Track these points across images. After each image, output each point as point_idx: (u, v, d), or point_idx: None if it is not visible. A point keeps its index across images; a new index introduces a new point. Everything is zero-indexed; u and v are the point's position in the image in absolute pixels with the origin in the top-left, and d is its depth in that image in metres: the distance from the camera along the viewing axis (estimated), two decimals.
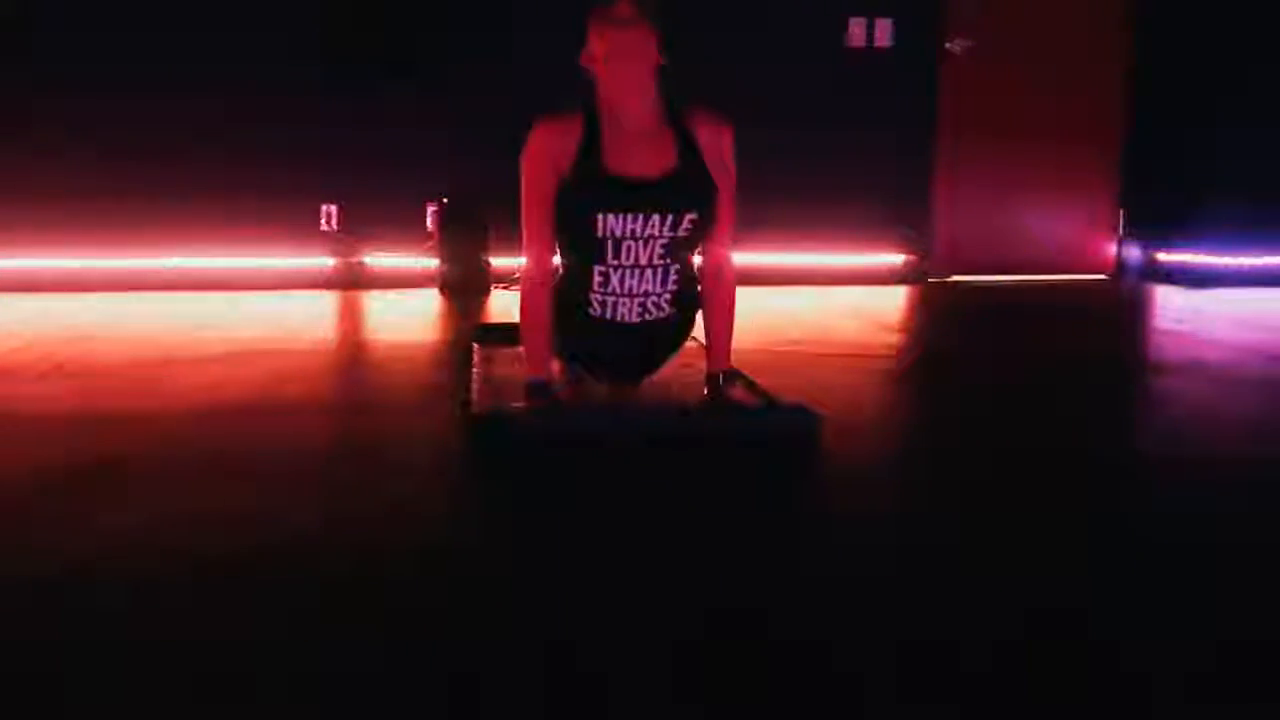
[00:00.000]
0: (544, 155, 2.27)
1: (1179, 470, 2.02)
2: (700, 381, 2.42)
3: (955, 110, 5.21)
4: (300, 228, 4.81)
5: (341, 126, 4.74)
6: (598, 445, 2.09)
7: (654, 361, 2.47)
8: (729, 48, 4.85)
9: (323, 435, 2.25)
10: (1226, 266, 5.06)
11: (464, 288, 4.63)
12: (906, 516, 1.76)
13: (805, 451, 2.08)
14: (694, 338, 2.53)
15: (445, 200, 4.69)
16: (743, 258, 4.84)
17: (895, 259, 5.15)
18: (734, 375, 2.38)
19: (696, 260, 2.43)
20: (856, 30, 5.00)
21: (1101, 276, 5.46)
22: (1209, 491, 1.88)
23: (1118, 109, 5.37)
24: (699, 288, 2.41)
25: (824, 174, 5.04)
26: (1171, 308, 4.35)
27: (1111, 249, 5.48)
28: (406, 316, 3.96)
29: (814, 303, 4.37)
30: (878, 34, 5.01)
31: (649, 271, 2.30)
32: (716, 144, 2.32)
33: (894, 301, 4.51)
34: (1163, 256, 5.23)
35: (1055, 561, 1.54)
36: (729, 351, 2.37)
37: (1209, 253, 5.07)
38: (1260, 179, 5.02)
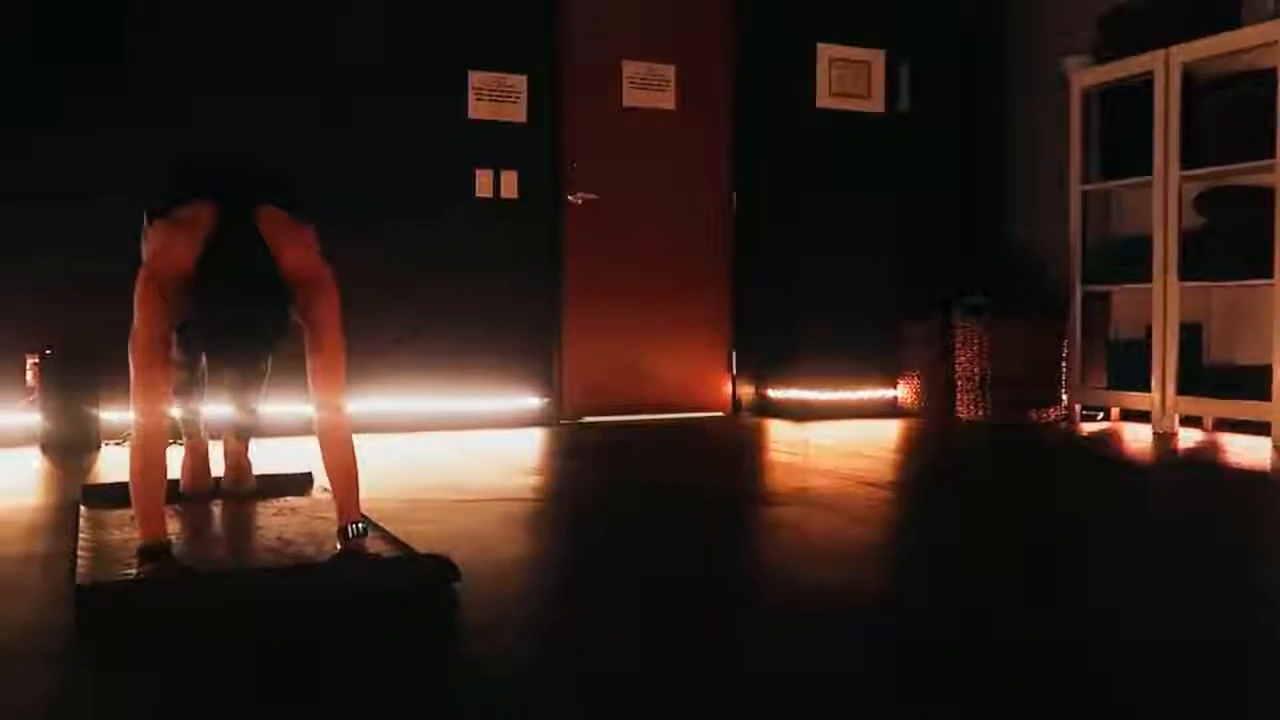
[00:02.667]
0: (162, 288, 2.16)
1: (789, 598, 2.15)
2: (332, 534, 2.34)
3: (581, 258, 5.46)
4: None
5: None
6: (221, 611, 1.97)
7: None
8: (367, 196, 4.85)
9: None
10: (825, 401, 5.56)
11: (69, 446, 4.27)
12: (552, 668, 1.77)
13: (443, 601, 2.06)
14: (324, 488, 2.45)
15: (48, 351, 4.35)
16: (377, 404, 4.82)
17: (529, 402, 5.25)
18: (366, 526, 2.32)
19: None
20: (484, 181, 5.16)
21: (719, 413, 5.82)
22: (816, 622, 2.01)
23: (726, 257, 5.82)
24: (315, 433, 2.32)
25: (459, 320, 5.10)
26: (780, 439, 4.70)
27: (727, 387, 5.86)
28: (2, 479, 3.60)
29: (451, 448, 4.37)
30: (504, 185, 5.19)
31: None
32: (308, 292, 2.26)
33: (529, 444, 4.59)
34: (771, 393, 5.66)
35: (695, 697, 1.59)
36: (357, 501, 2.30)
37: (808, 388, 5.55)
38: (841, 320, 5.60)
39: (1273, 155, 4.33)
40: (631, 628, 1.93)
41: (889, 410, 5.71)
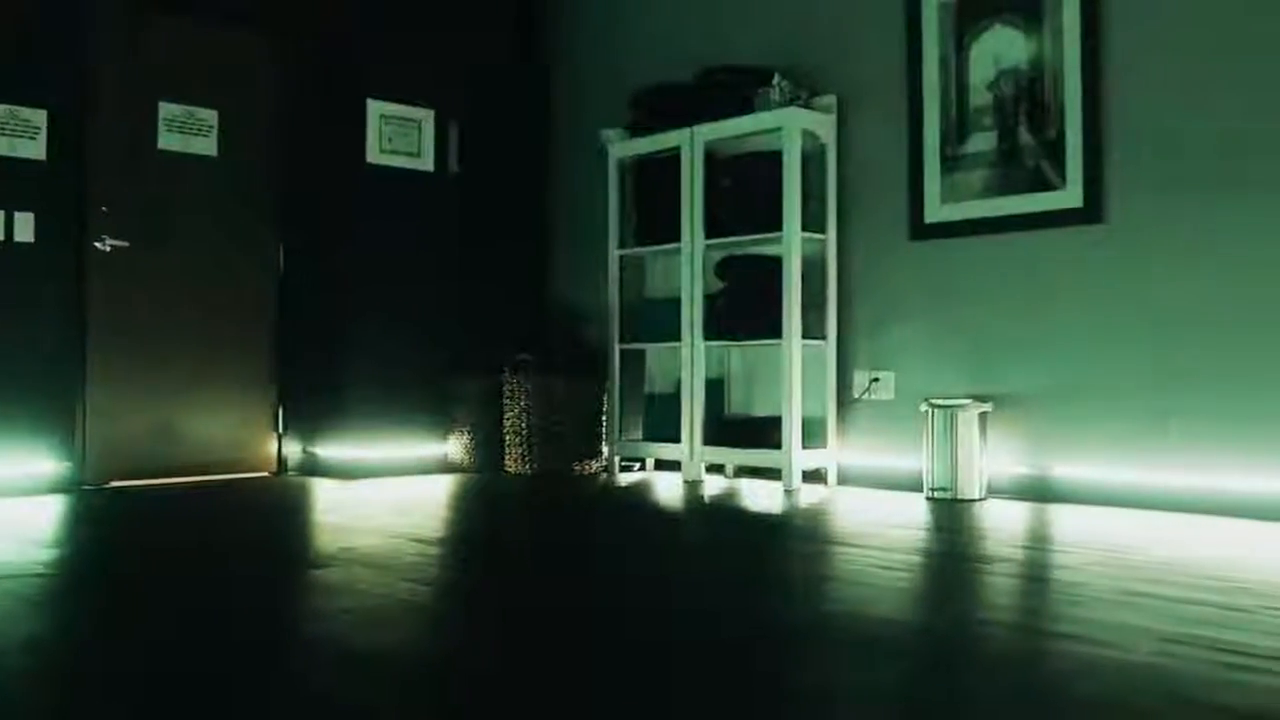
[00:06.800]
0: None
1: (339, 660, 2.10)
2: None
3: (108, 309, 5.05)
4: None
5: None
6: None
7: None
8: None
9: None
10: (376, 459, 5.49)
11: None
12: None
13: None
14: None
15: None
16: None
17: (46, 466, 4.76)
18: None
19: None
20: None
21: (265, 474, 5.58)
22: (373, 684, 1.97)
23: (271, 311, 5.62)
24: None
25: None
26: (328, 499, 4.58)
27: (273, 446, 5.64)
28: None
29: None
30: (18, 228, 4.72)
31: None
32: None
33: (45, 513, 4.16)
34: (320, 451, 5.51)
35: None
36: None
37: (357, 446, 5.46)
38: (392, 377, 5.58)
39: (780, 228, 4.83)
40: (159, 705, 1.79)
41: (440, 466, 5.73)
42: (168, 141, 5.29)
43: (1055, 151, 4.33)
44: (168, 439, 5.27)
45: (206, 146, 5.40)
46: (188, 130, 5.34)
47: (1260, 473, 3.81)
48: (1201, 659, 1.98)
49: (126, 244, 5.10)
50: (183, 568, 3.13)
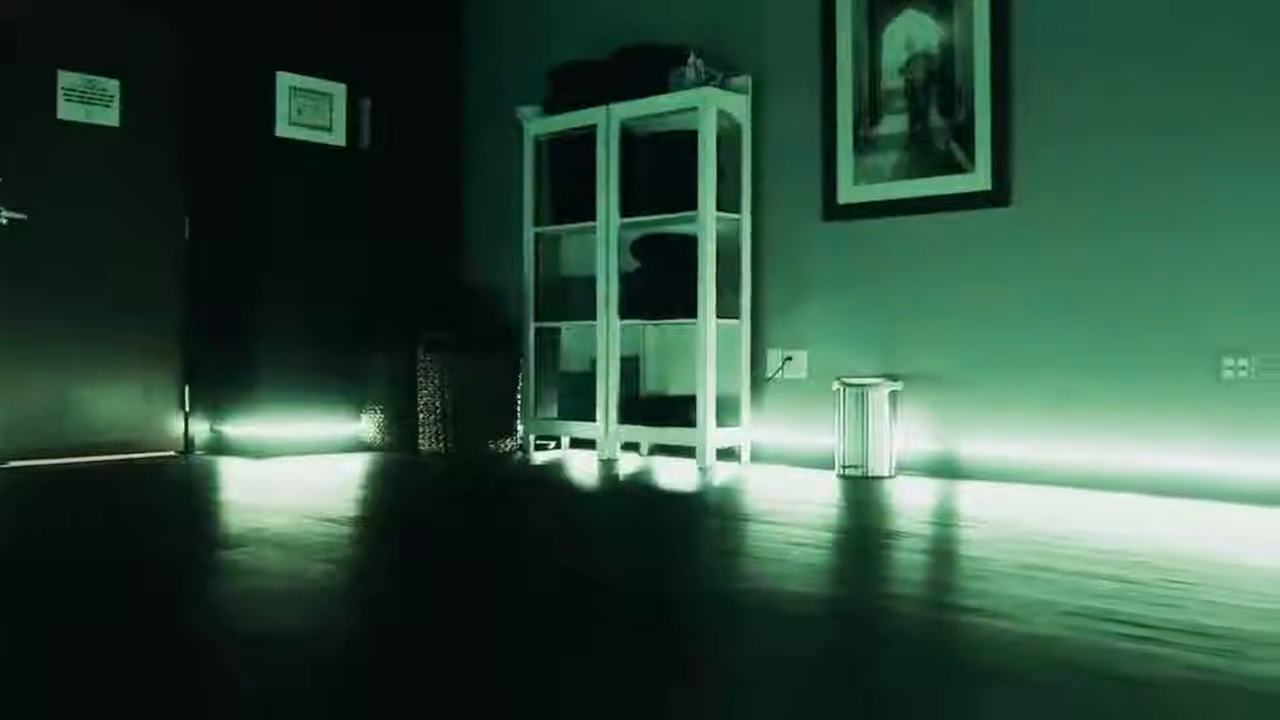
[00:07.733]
0: None
1: (255, 641, 2.07)
2: None
3: (6, 284, 4.90)
4: None
5: None
6: None
7: None
8: None
9: None
10: (287, 437, 5.41)
11: None
12: None
13: None
14: None
15: None
16: None
17: None
18: None
19: None
20: None
21: (170, 453, 5.47)
22: (288, 669, 1.95)
23: (177, 286, 5.50)
24: None
25: None
26: (237, 479, 4.51)
27: (179, 425, 5.52)
28: None
29: None
30: None
31: None
32: None
33: None
34: (228, 430, 5.42)
35: None
36: None
37: (267, 424, 5.37)
38: (304, 354, 5.50)
39: (695, 208, 4.85)
40: (58, 690, 1.75)
41: (353, 445, 5.67)
42: (68, 112, 5.13)
43: (964, 135, 4.41)
44: (68, 417, 5.14)
45: (109, 117, 5.25)
46: (89, 100, 5.18)
47: (1159, 449, 3.94)
48: (1098, 630, 2.05)
49: (25, 216, 4.96)
50: (84, 550, 3.05)
